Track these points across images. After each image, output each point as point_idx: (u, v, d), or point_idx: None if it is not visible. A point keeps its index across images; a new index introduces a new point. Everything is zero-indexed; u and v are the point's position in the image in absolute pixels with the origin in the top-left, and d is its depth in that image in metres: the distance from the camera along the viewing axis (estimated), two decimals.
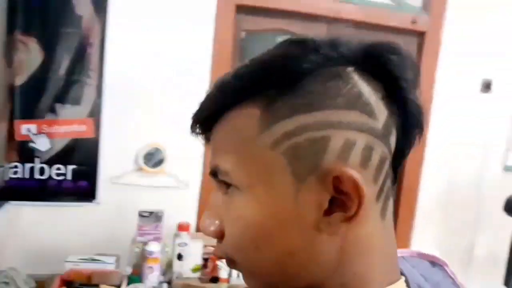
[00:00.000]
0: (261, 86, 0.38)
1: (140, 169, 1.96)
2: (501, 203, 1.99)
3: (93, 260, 1.71)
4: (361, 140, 0.37)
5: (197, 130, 0.43)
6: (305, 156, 0.36)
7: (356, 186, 0.35)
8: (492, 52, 2.24)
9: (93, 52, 1.89)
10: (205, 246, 1.77)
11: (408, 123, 0.40)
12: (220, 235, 0.41)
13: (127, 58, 1.92)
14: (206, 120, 0.42)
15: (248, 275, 0.42)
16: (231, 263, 0.42)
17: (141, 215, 1.77)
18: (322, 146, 0.36)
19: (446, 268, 0.46)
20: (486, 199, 2.30)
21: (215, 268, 1.72)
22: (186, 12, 1.95)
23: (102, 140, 1.91)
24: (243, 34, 2.11)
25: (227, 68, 2.01)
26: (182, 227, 1.76)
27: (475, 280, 2.38)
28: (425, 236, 2.32)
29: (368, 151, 0.37)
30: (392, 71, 0.38)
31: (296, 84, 0.37)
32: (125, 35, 1.90)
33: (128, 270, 1.68)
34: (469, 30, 2.21)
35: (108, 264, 1.70)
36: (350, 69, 0.38)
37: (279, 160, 0.37)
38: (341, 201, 0.36)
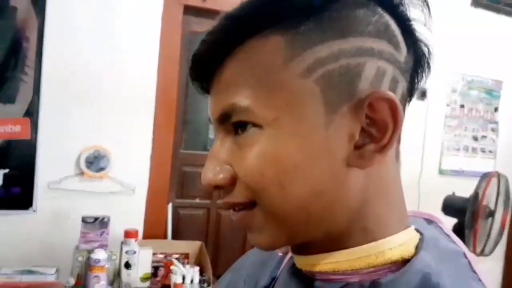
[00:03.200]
0: (285, 12, 0.35)
1: (81, 174, 1.83)
2: (437, 205, 2.11)
3: (31, 272, 1.55)
4: (389, 71, 0.36)
5: (197, 74, 0.39)
6: (339, 83, 0.35)
7: (393, 110, 0.34)
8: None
9: (29, 47, 1.74)
10: (154, 254, 1.68)
11: (418, 63, 0.40)
12: (232, 181, 0.37)
13: (67, 54, 1.80)
14: (214, 56, 0.38)
15: (265, 223, 0.37)
16: (246, 209, 0.37)
17: (84, 221, 1.64)
18: (357, 73, 0.35)
19: (441, 225, 0.46)
20: (423, 202, 2.42)
21: (167, 276, 1.63)
22: (131, 9, 1.88)
23: (39, 142, 1.76)
24: (190, 35, 2.07)
25: (174, 69, 1.99)
26: (130, 234, 1.66)
27: None
28: None
29: (394, 83, 0.36)
30: (406, 11, 0.38)
31: (324, 9, 0.35)
32: (64, 30, 1.79)
33: (71, 281, 1.55)
34: None
35: (47, 276, 1.55)
36: (372, 2, 0.37)
37: (311, 89, 0.35)
38: (370, 134, 0.35)
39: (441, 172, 2.51)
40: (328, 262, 0.38)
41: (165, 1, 1.93)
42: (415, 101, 2.40)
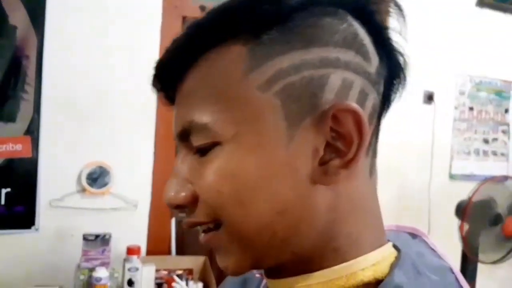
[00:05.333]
0: (248, 21, 0.33)
1: (83, 190, 1.82)
2: (448, 210, 2.06)
3: None
4: (357, 83, 0.34)
5: (160, 84, 0.37)
6: (301, 96, 0.32)
7: (357, 123, 0.32)
8: (432, 65, 2.35)
9: (29, 65, 1.75)
10: (157, 270, 1.66)
11: (393, 73, 0.38)
12: (193, 200, 0.35)
13: (67, 72, 1.79)
14: (175, 67, 0.36)
15: (229, 246, 0.35)
16: (210, 231, 0.35)
17: (86, 238, 1.63)
18: (320, 85, 0.33)
19: (426, 239, 0.45)
20: (433, 207, 2.37)
21: None
22: (130, 23, 1.88)
23: (40, 160, 1.76)
24: None
25: None
26: (132, 251, 1.64)
27: None
28: None
29: (363, 96, 0.34)
30: (380, 20, 0.36)
31: (288, 18, 0.33)
32: (64, 47, 1.78)
33: None
34: (412, 43, 2.31)
35: None
36: (342, 10, 0.35)
37: (271, 102, 0.33)
38: (336, 148, 0.33)
39: (452, 177, 2.45)
40: (300, 286, 0.36)
41: (163, 13, 1.93)
42: (422, 105, 2.38)
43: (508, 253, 1.96)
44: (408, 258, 0.37)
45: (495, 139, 2.52)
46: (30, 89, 1.74)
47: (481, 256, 1.96)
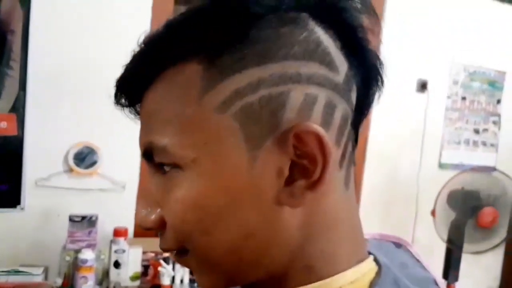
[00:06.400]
0: (203, 37, 0.31)
1: (70, 170, 1.79)
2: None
3: (17, 272, 1.53)
4: (322, 96, 0.32)
5: (123, 100, 0.36)
6: (260, 116, 0.31)
7: (320, 144, 0.31)
8: (427, 54, 2.33)
9: (14, 40, 1.69)
10: (144, 252, 1.65)
11: (368, 76, 0.35)
12: (162, 224, 0.34)
13: (54, 48, 1.74)
14: (134, 86, 0.35)
15: (200, 268, 0.35)
16: (181, 255, 0.35)
17: (72, 220, 1.61)
18: (280, 104, 0.31)
19: (410, 249, 0.44)
20: (422, 195, 2.38)
21: (156, 275, 1.60)
22: (120, 2, 1.81)
23: (26, 139, 1.72)
24: None
25: None
26: (119, 233, 1.64)
27: None
28: (367, 232, 2.36)
29: (330, 109, 0.32)
30: (350, 20, 0.34)
31: (245, 32, 0.31)
32: (51, 22, 1.72)
33: (58, 282, 1.52)
34: (407, 31, 2.28)
35: (34, 276, 1.53)
36: (304, 14, 0.33)
37: (229, 125, 0.31)
38: (302, 166, 0.31)
39: (441, 166, 2.46)
40: None
41: None
42: (415, 94, 2.37)
43: (485, 243, 2.00)
44: (389, 274, 0.35)
45: (485, 130, 2.53)
46: (15, 65, 1.69)
47: (465, 246, 1.99)
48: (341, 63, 0.33)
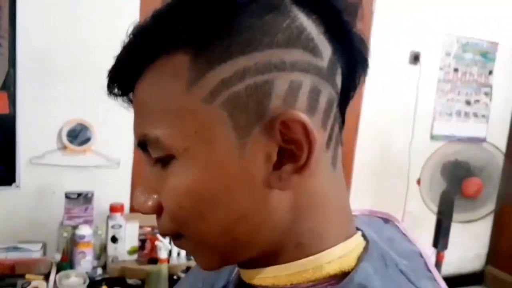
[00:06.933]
0: (188, 29, 0.32)
1: (64, 148, 1.80)
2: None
3: (16, 248, 1.55)
4: (306, 82, 0.33)
5: (116, 90, 0.36)
6: (247, 105, 0.32)
7: (305, 131, 0.32)
8: (419, 26, 2.31)
9: (1, 15, 1.66)
10: (141, 227, 1.68)
11: (353, 59, 0.36)
12: (159, 210, 0.36)
13: (44, 24, 1.71)
14: (125, 77, 0.35)
15: (196, 250, 0.37)
16: (177, 239, 0.37)
17: (68, 197, 1.63)
18: (266, 92, 0.32)
19: (398, 224, 0.45)
20: (413, 166, 2.42)
21: (154, 249, 1.63)
22: None
23: (18, 117, 1.71)
24: None
25: None
26: (115, 209, 1.66)
27: None
28: (359, 204, 2.40)
29: (315, 94, 0.33)
30: (333, 3, 0.34)
31: (229, 22, 0.31)
32: None
33: (57, 257, 1.55)
34: (400, 2, 2.26)
35: (33, 252, 1.56)
36: (287, 0, 0.33)
37: (217, 114, 0.32)
38: (290, 151, 0.33)
39: (433, 137, 2.49)
40: (267, 277, 0.37)
41: None
42: (407, 66, 2.37)
43: (474, 213, 2.05)
44: (376, 249, 0.37)
45: (477, 101, 2.55)
46: (3, 42, 1.66)
47: (454, 216, 2.04)
48: (325, 48, 0.34)
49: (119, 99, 0.37)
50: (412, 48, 2.35)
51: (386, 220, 0.46)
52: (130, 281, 1.50)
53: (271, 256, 0.36)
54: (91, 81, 1.78)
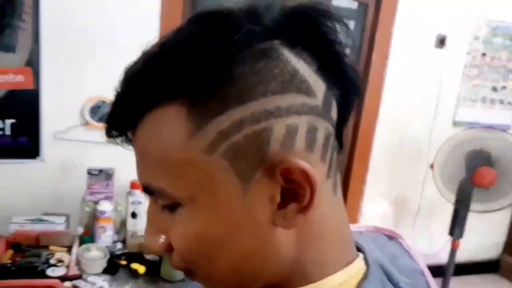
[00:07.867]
0: (184, 79, 0.32)
1: (86, 124, 1.83)
2: None
3: (41, 220, 1.61)
4: (303, 124, 0.33)
5: (116, 135, 0.37)
6: (247, 153, 0.32)
7: (306, 176, 0.32)
8: (447, 8, 2.24)
9: None
10: None
11: (347, 89, 0.37)
12: (169, 249, 0.38)
13: (67, 0, 1.72)
14: (124, 125, 0.36)
15: (207, 284, 0.40)
16: (189, 274, 0.39)
17: (90, 173, 1.67)
18: (264, 139, 0.32)
19: (401, 241, 0.47)
20: (433, 153, 2.39)
21: None
22: None
23: (42, 92, 1.75)
24: None
25: (177, 16, 1.90)
26: (136, 185, 1.69)
27: (423, 228, 2.52)
28: (377, 189, 2.40)
29: (312, 133, 0.34)
30: (325, 36, 0.34)
31: (223, 74, 0.32)
32: None
33: (79, 230, 1.61)
34: None
35: (57, 225, 1.61)
36: (277, 42, 0.33)
37: (218, 164, 0.33)
38: (293, 189, 0.33)
39: (455, 123, 2.44)
40: None
41: None
42: (433, 49, 2.30)
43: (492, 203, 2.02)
44: (376, 274, 0.38)
45: (504, 87, 2.48)
46: (27, 17, 1.68)
47: (473, 205, 2.02)
48: (318, 86, 0.34)
49: (119, 141, 0.37)
50: (438, 31, 2.28)
51: (391, 237, 0.47)
52: (148, 257, 1.55)
53: (278, 286, 0.38)
54: (114, 58, 1.79)
